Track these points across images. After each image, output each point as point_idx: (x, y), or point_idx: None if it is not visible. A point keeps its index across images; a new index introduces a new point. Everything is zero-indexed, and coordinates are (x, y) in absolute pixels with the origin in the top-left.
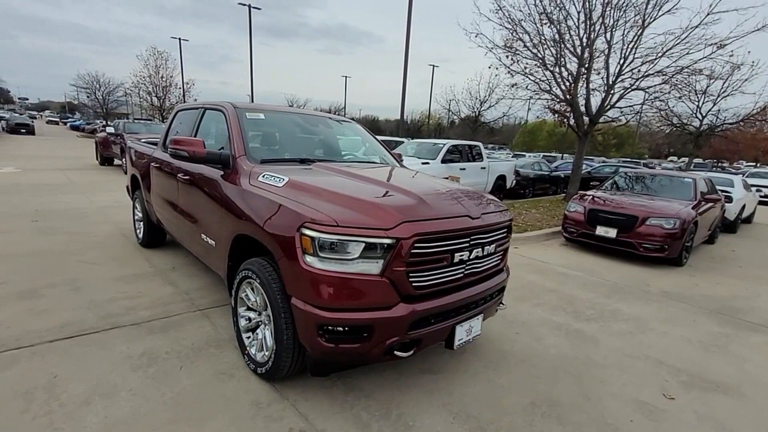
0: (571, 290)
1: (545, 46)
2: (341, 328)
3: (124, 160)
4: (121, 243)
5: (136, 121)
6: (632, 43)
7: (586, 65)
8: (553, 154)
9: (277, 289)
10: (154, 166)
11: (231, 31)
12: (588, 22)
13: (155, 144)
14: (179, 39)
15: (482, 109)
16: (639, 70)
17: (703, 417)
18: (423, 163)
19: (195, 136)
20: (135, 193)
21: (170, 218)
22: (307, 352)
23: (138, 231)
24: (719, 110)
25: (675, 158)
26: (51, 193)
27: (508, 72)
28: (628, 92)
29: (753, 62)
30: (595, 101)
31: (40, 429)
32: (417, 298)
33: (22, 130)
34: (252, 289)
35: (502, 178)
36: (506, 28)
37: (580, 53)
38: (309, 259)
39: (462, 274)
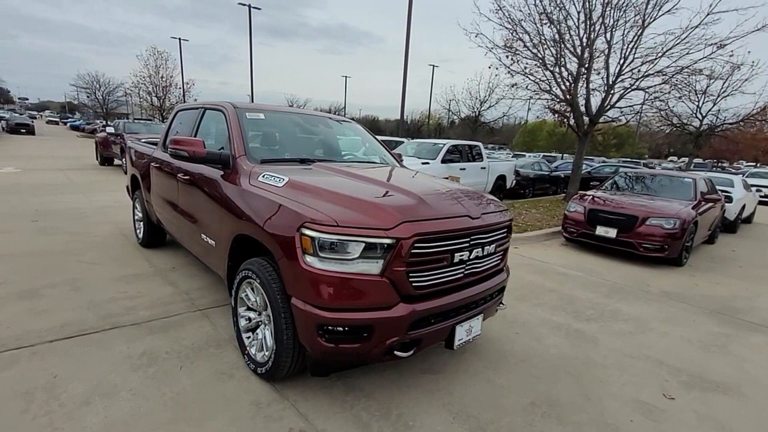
0: (571, 290)
1: (545, 46)
2: (341, 328)
3: (124, 160)
4: (121, 243)
5: (136, 121)
6: (632, 43)
7: (586, 65)
8: (553, 154)
9: (277, 289)
10: (154, 166)
11: (231, 31)
12: (588, 22)
13: (155, 144)
14: (179, 39)
15: (482, 109)
16: (639, 70)
17: (703, 417)
18: (423, 163)
19: (195, 136)
20: (135, 193)
21: (170, 218)
22: (307, 352)
23: (138, 231)
24: (719, 110)
25: (675, 158)
26: (51, 193)
27: (508, 72)
28: (628, 92)
29: (753, 62)
30: (595, 101)
31: (40, 429)
32: (417, 298)
33: (22, 130)
34: (252, 289)
35: (502, 178)
36: (506, 28)
37: (580, 53)
38: (309, 259)
39: (462, 274)
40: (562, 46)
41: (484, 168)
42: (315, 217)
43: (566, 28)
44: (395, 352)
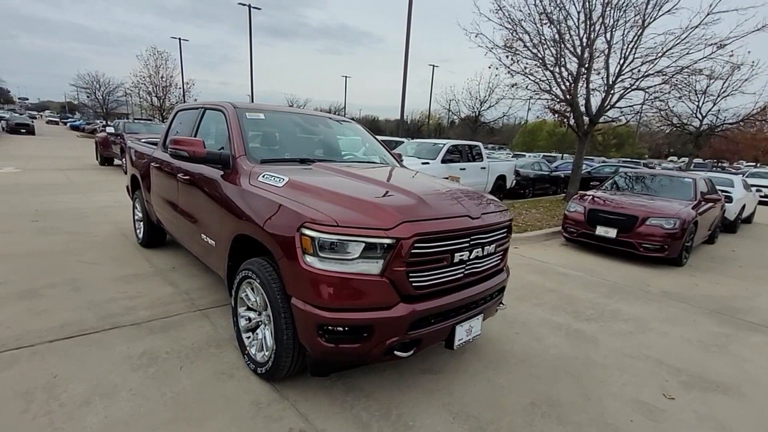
0: (571, 290)
1: (545, 46)
2: (341, 328)
3: (124, 160)
4: (121, 243)
5: (136, 121)
6: (632, 43)
7: (586, 65)
8: (553, 154)
9: (277, 289)
10: (154, 166)
11: (231, 31)
12: (588, 22)
13: (155, 144)
14: (179, 39)
15: (482, 109)
16: (639, 70)
17: (703, 417)
18: (423, 163)
19: (195, 136)
20: (135, 193)
21: (170, 218)
22: (307, 352)
23: (138, 231)
24: (719, 110)
25: (675, 158)
26: (51, 193)
27: (508, 72)
28: (628, 92)
29: (753, 62)
30: (595, 101)
31: (40, 429)
32: (417, 298)
33: (22, 130)
34: (252, 289)
35: (502, 178)
36: (506, 28)
37: (580, 53)
38: (309, 259)
39: (462, 274)
40: (562, 46)
41: (484, 168)
42: (315, 217)
43: (566, 28)
44: (395, 352)
